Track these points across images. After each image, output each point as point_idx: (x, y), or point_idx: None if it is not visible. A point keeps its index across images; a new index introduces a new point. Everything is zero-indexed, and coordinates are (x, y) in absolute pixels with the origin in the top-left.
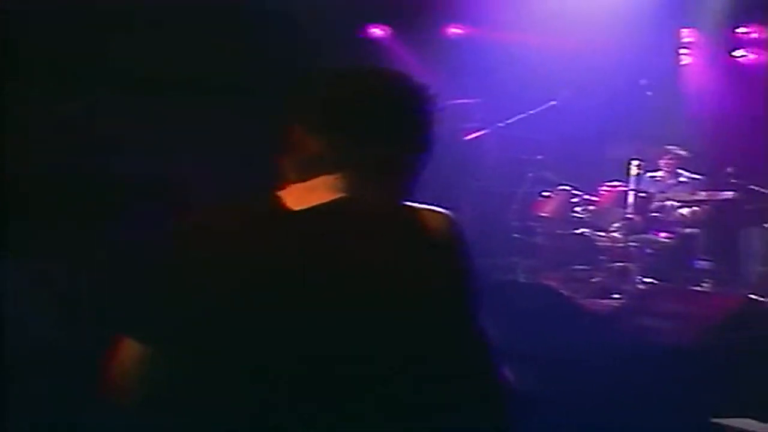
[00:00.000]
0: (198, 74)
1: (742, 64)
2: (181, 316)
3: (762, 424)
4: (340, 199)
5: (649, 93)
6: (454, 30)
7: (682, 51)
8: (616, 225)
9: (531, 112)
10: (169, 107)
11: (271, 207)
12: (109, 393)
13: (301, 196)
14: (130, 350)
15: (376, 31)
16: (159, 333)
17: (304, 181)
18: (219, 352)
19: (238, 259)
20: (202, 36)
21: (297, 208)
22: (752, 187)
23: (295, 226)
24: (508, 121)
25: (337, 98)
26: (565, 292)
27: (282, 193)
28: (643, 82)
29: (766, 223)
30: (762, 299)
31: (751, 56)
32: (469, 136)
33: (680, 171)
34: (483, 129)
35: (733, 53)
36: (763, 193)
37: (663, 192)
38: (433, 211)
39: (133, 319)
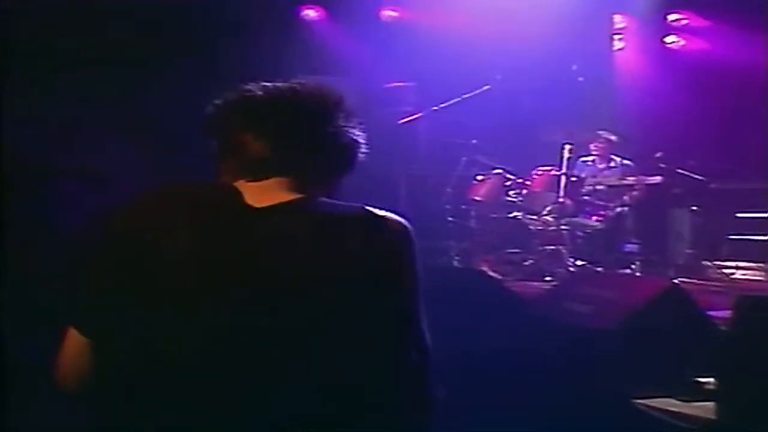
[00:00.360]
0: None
1: (674, 51)
2: (126, 309)
3: (682, 403)
4: (300, 198)
5: (581, 78)
6: (388, 13)
7: (614, 37)
8: (549, 209)
9: (465, 96)
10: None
11: (229, 201)
12: (59, 384)
13: (257, 194)
14: (72, 341)
15: (311, 13)
16: (100, 325)
17: (252, 181)
18: (172, 344)
19: (197, 252)
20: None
21: (258, 205)
22: (680, 171)
23: (259, 222)
24: (442, 105)
25: (286, 107)
26: (496, 275)
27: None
28: (575, 67)
29: (693, 206)
30: (687, 281)
31: (682, 42)
32: (403, 120)
33: (611, 156)
34: (417, 113)
35: (665, 39)
36: (691, 177)
37: (594, 176)
38: (388, 215)
39: (74, 311)
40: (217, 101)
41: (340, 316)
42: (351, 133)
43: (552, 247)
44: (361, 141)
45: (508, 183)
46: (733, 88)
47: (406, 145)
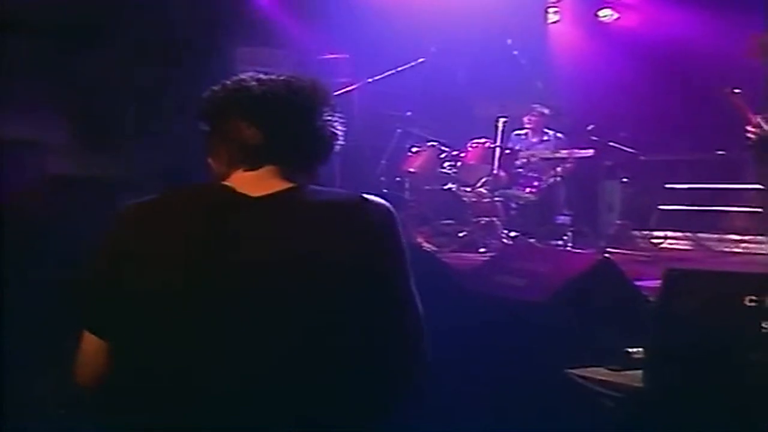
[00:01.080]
0: None
1: (607, 24)
2: (136, 307)
3: (612, 372)
4: (295, 187)
5: (515, 52)
6: None
7: (549, 10)
8: (483, 181)
9: (400, 68)
10: None
11: (228, 193)
12: (78, 386)
13: (252, 184)
14: (87, 342)
15: None
16: (109, 325)
17: (243, 170)
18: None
19: (203, 243)
20: None
21: (256, 194)
22: (611, 143)
23: (261, 211)
24: (377, 78)
25: (281, 99)
26: (431, 247)
27: (231, 182)
28: (509, 41)
29: (624, 178)
30: (618, 251)
31: (616, 16)
32: (338, 92)
33: (544, 129)
34: (351, 85)
35: (599, 13)
36: (622, 149)
37: (528, 149)
38: (376, 200)
39: (86, 313)
40: (214, 88)
41: (348, 295)
42: (334, 125)
43: (486, 219)
44: (341, 133)
45: (443, 155)
46: (664, 62)
47: (341, 116)
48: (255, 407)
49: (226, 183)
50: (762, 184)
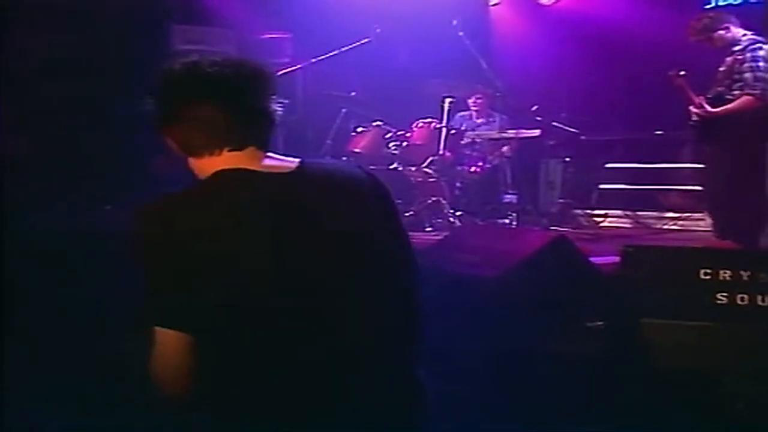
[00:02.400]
0: None
1: (547, 6)
2: (206, 291)
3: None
4: (306, 162)
5: (461, 33)
6: None
7: None
8: (429, 160)
9: (344, 48)
10: None
11: (259, 173)
12: (162, 393)
13: (261, 163)
14: (166, 342)
15: None
16: (186, 316)
17: (228, 150)
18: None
19: (261, 223)
20: None
21: (283, 171)
22: (555, 123)
23: (295, 186)
24: (321, 57)
25: (244, 80)
26: None
27: (239, 164)
28: (455, 22)
29: (566, 157)
30: (560, 229)
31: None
32: (280, 72)
33: (489, 109)
34: (294, 65)
35: None
36: (565, 129)
37: (473, 129)
38: (369, 172)
39: (159, 310)
40: (172, 70)
41: (375, 257)
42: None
43: (432, 199)
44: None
45: (388, 135)
46: (604, 44)
47: (284, 96)
48: (336, 362)
49: (243, 167)
50: (703, 163)
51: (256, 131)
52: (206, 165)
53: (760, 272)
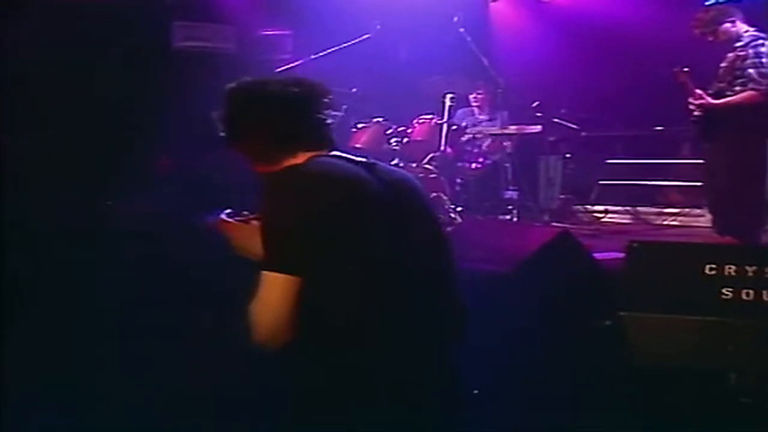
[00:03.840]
0: None
1: (547, 3)
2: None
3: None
4: (367, 159)
5: (462, 29)
6: None
7: None
8: (430, 156)
9: (345, 44)
10: None
11: (360, 160)
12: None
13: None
14: (274, 290)
15: None
16: (302, 262)
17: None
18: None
19: (377, 197)
20: None
21: (359, 160)
22: (555, 120)
23: (385, 174)
24: (322, 53)
25: (314, 94)
26: None
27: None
28: (456, 18)
29: (567, 153)
30: (561, 226)
31: None
32: (281, 68)
33: (491, 106)
34: (295, 61)
35: None
36: (566, 125)
37: (475, 125)
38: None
39: (278, 257)
40: (262, 89)
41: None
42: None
43: (433, 195)
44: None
45: (389, 131)
46: (603, 40)
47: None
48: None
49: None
50: (704, 159)
51: (325, 135)
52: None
53: (765, 267)
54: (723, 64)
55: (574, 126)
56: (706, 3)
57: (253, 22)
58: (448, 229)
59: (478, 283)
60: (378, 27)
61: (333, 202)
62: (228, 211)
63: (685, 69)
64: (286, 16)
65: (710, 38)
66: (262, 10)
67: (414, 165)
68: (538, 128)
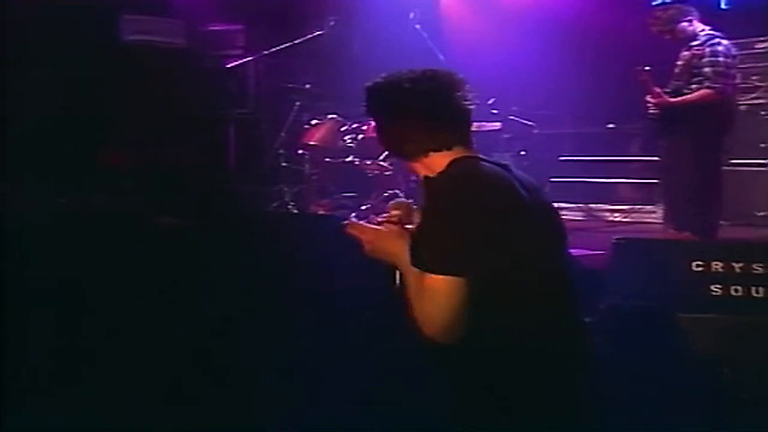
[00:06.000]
0: None
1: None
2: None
3: None
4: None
5: (417, 26)
6: None
7: None
8: (385, 153)
9: (299, 40)
10: None
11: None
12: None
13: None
14: (442, 289)
15: None
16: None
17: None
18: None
19: (528, 202)
20: None
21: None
22: (511, 117)
23: (515, 173)
24: (275, 49)
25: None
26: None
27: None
28: (412, 15)
29: (521, 150)
30: None
31: None
32: (232, 64)
33: None
34: (247, 56)
35: None
36: (521, 122)
37: None
38: None
39: (444, 261)
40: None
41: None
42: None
43: (389, 192)
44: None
45: (344, 128)
46: (555, 37)
47: (237, 89)
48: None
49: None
50: (660, 156)
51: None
52: (437, 161)
53: (752, 263)
54: (679, 63)
55: (530, 123)
56: (654, 3)
57: (204, 17)
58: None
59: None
60: (332, 23)
61: (500, 206)
62: (354, 214)
63: (647, 68)
64: (238, 11)
65: (668, 36)
66: (214, 4)
67: (369, 162)
68: (497, 125)
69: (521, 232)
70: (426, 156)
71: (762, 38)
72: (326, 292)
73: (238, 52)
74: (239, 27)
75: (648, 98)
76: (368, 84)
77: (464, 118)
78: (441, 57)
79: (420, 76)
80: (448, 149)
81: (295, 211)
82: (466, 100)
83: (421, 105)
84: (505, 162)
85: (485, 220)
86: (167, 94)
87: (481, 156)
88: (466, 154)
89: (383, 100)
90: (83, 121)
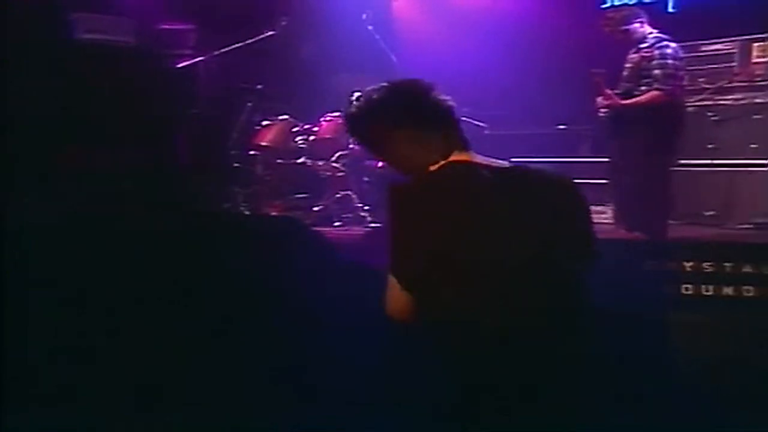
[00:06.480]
0: None
1: (446, 1)
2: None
3: None
4: (512, 164)
5: (370, 27)
6: None
7: None
8: (339, 155)
9: (250, 40)
10: None
11: (487, 167)
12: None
13: (480, 160)
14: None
15: None
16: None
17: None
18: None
19: (490, 205)
20: None
21: (503, 167)
22: (463, 118)
23: (515, 178)
24: (227, 49)
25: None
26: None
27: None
28: (365, 16)
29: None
30: None
31: None
32: (183, 63)
33: None
34: (198, 56)
35: None
36: (473, 123)
37: None
38: (563, 175)
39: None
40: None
41: (549, 243)
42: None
43: (341, 193)
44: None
45: (296, 129)
46: (506, 38)
47: (187, 89)
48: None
49: (468, 159)
50: (611, 157)
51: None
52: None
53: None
54: (628, 65)
55: (481, 124)
56: (602, 6)
57: (155, 16)
58: (366, 229)
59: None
60: (284, 23)
61: (454, 216)
62: None
63: (600, 70)
64: (189, 10)
65: (619, 37)
66: (165, 3)
67: (321, 163)
68: None
69: (469, 243)
70: (418, 165)
71: (708, 41)
72: (279, 293)
73: (190, 51)
74: (191, 26)
75: (599, 100)
76: (351, 110)
77: (453, 119)
78: (393, 58)
79: (395, 87)
80: (440, 157)
81: (248, 212)
82: (446, 101)
83: (414, 114)
84: (504, 164)
85: (431, 232)
86: (117, 93)
87: (471, 159)
88: (455, 159)
89: (378, 119)
90: (29, 120)
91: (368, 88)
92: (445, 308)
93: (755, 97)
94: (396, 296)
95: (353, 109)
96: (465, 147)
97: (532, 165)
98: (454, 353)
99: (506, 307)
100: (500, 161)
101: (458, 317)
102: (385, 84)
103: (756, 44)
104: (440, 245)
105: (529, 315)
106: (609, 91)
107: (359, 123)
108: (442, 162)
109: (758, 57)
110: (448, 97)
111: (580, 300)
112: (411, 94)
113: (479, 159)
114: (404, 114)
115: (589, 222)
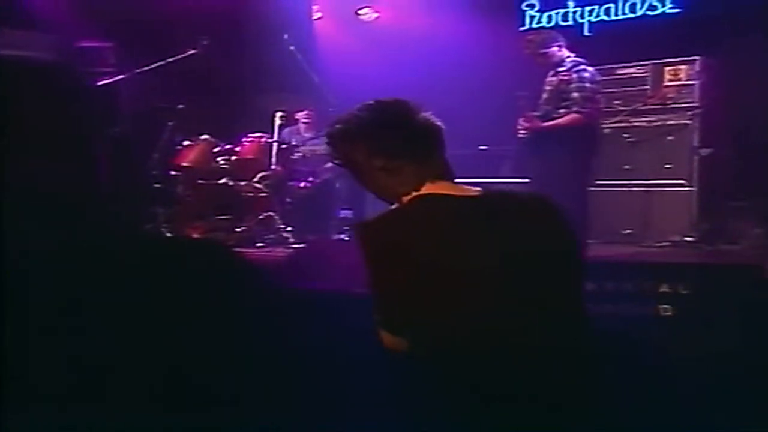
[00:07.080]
0: None
1: (369, 23)
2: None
3: None
4: (485, 190)
5: (292, 47)
6: None
7: (313, 7)
8: (261, 175)
9: (171, 59)
10: None
11: (459, 198)
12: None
13: (453, 189)
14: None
15: None
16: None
17: (430, 182)
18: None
19: (468, 239)
20: None
21: (472, 195)
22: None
23: (487, 207)
24: (147, 68)
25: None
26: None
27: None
28: (286, 36)
29: None
30: None
31: (376, 16)
32: (102, 82)
33: (320, 124)
34: (117, 75)
35: (359, 12)
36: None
37: (304, 144)
38: (541, 195)
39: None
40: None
41: (542, 266)
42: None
43: (264, 214)
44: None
45: (217, 149)
46: (426, 60)
47: (108, 107)
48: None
49: (441, 192)
50: (530, 177)
51: (445, 166)
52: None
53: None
54: (548, 88)
55: None
56: (521, 28)
57: (75, 33)
58: (288, 250)
59: (336, 303)
60: (205, 42)
61: (425, 255)
62: None
63: (524, 93)
64: (108, 28)
65: (539, 60)
66: (85, 20)
67: (243, 183)
68: None
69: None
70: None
71: (623, 64)
72: (199, 316)
73: (110, 69)
74: (111, 44)
75: (520, 121)
76: (332, 130)
77: (435, 144)
78: (315, 78)
79: (378, 106)
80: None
81: (169, 234)
82: (434, 123)
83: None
84: (477, 191)
85: (403, 276)
86: (35, 111)
87: (440, 192)
88: (425, 191)
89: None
90: None
91: (354, 107)
92: (436, 344)
93: (668, 119)
94: (387, 338)
95: (334, 129)
96: (440, 175)
97: (507, 189)
98: (447, 385)
99: (498, 336)
100: (474, 188)
101: (450, 351)
102: (370, 102)
103: (667, 68)
104: (416, 288)
105: (521, 340)
106: (530, 113)
107: (340, 142)
108: (412, 194)
109: (670, 80)
110: (437, 120)
111: (569, 322)
112: (396, 114)
113: (451, 189)
114: (383, 137)
115: (573, 240)
